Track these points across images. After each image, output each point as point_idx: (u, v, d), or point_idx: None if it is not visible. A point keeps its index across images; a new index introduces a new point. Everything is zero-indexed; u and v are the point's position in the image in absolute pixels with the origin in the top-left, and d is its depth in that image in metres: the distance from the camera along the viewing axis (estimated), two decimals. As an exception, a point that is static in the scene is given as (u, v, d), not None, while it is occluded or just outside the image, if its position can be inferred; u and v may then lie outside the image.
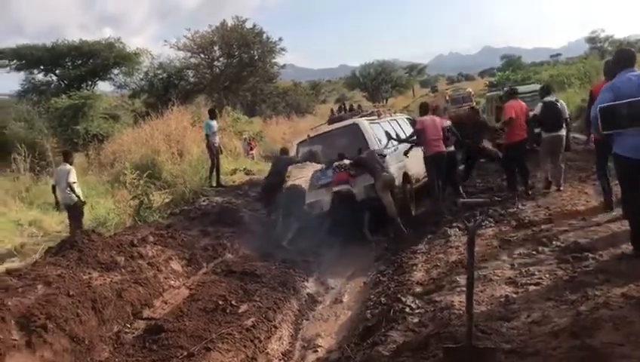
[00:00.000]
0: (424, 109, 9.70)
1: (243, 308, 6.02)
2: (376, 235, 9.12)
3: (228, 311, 5.90)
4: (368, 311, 5.27)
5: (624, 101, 4.42)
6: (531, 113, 8.96)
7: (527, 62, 66.89)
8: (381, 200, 8.83)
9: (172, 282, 6.70)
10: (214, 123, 13.05)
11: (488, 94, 20.06)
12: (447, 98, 31.94)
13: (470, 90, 35.53)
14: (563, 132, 8.57)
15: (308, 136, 10.63)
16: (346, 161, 9.22)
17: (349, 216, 8.89)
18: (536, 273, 4.88)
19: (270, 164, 11.33)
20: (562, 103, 8.86)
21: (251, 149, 22.06)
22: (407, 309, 4.84)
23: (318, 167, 9.58)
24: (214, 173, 12.97)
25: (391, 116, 11.84)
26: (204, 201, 10.40)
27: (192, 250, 7.62)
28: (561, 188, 8.47)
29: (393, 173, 9.19)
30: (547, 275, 4.76)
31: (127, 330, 5.54)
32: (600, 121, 4.50)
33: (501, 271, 5.22)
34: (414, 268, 6.28)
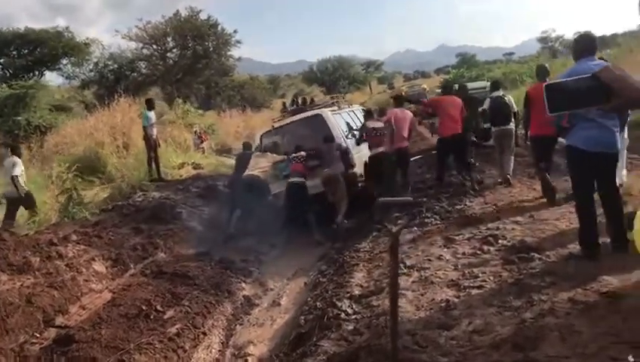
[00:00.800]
0: (398, 100, 9.54)
1: (169, 313, 5.52)
2: (329, 232, 8.67)
3: (152, 317, 5.39)
4: (302, 317, 4.85)
5: (572, 78, 4.11)
6: (480, 108, 9.30)
7: (482, 61, 67.84)
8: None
9: (93, 285, 6.12)
10: (152, 114, 12.38)
11: (437, 91, 20.57)
12: (403, 94, 31.86)
13: (425, 86, 35.66)
14: (511, 125, 8.70)
15: (272, 126, 10.43)
16: (303, 153, 9.02)
17: (301, 209, 8.70)
18: (480, 275, 4.56)
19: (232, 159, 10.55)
20: (510, 98, 8.96)
21: (202, 142, 21.36)
22: (343, 315, 4.44)
23: (279, 158, 9.35)
24: (154, 166, 12.29)
25: (348, 107, 11.80)
26: (139, 197, 9.75)
27: (120, 250, 7.05)
28: (510, 182, 8.40)
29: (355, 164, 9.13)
30: (492, 277, 4.44)
31: (34, 341, 4.95)
32: (546, 100, 4.11)
33: (444, 272, 4.88)
34: (356, 268, 5.89)
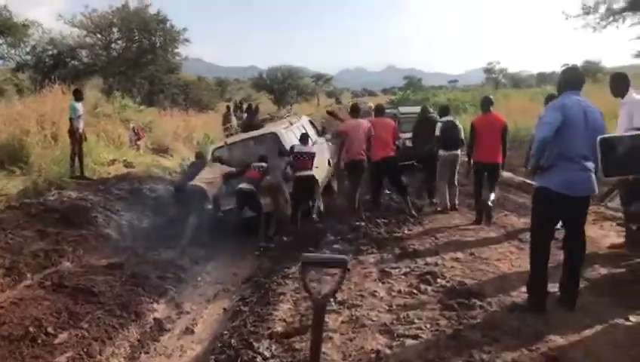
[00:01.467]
0: (355, 111, 9.22)
1: (61, 337, 4.79)
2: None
3: (40, 341, 4.64)
4: (213, 357, 4.23)
5: (629, 134, 3.74)
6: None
7: (427, 85, 69.31)
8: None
9: (-24, 297, 5.28)
10: (80, 105, 11.44)
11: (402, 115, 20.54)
12: (348, 110, 31.76)
13: (371, 104, 35.74)
14: (459, 151, 8.67)
15: (225, 143, 10.45)
16: (264, 164, 9.20)
17: (244, 219, 8.91)
18: (416, 321, 4.12)
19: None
20: (459, 124, 8.94)
21: (139, 139, 20.29)
22: (259, 359, 3.88)
23: (227, 168, 9.35)
24: (77, 162, 11.33)
25: (297, 120, 11.90)
26: (53, 195, 8.80)
27: (17, 256, 6.20)
28: (456, 208, 8.53)
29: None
30: (428, 325, 4.01)
31: None
32: (601, 157, 3.68)
33: (377, 313, 4.42)
34: (281, 298, 5.34)
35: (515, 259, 5.67)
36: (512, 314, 4.08)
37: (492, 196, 7.63)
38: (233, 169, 9.38)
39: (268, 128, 10.60)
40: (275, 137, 9.85)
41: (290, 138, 9.94)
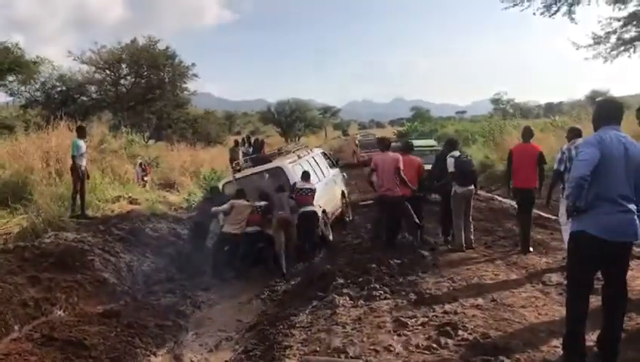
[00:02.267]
0: (383, 143, 8.91)
1: (46, 400, 4.34)
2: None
3: (22, 405, 4.20)
4: None
5: None
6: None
7: (435, 116, 69.41)
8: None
9: (-43, 353, 4.86)
10: (82, 143, 11.18)
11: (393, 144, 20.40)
12: (357, 142, 31.69)
13: (378, 136, 35.76)
14: (472, 187, 8.37)
15: (233, 177, 10.72)
16: (262, 204, 9.49)
17: (252, 258, 9.35)
18: (439, 384, 3.66)
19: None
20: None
21: (146, 175, 20.07)
22: None
23: (247, 207, 9.55)
24: (78, 201, 11.02)
25: (308, 153, 12.17)
26: (49, 237, 8.44)
27: (5, 306, 5.78)
28: (473, 246, 8.20)
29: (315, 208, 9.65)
30: (452, 389, 3.55)
31: None
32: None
33: (393, 373, 3.97)
34: (287, 352, 4.88)
35: (542, 305, 5.20)
36: (546, 374, 3.62)
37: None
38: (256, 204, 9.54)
39: (275, 163, 10.77)
40: (281, 171, 10.10)
41: (297, 172, 10.12)
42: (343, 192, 12.79)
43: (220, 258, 9.18)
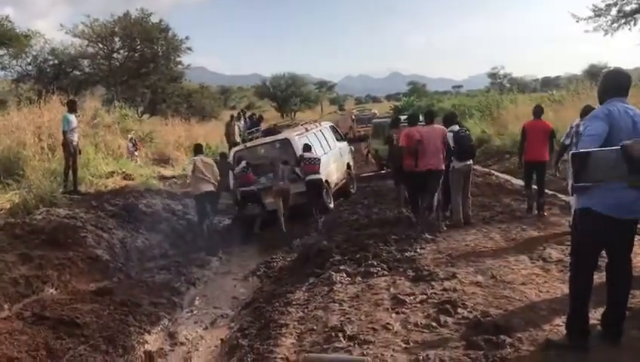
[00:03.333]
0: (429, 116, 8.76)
1: (37, 380, 4.24)
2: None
3: (12, 385, 4.10)
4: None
5: (601, 150, 3.19)
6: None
7: (431, 91, 68.90)
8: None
9: (-55, 333, 4.75)
10: (73, 117, 10.94)
11: (375, 121, 20.53)
12: (353, 117, 31.42)
13: (375, 111, 35.42)
14: (471, 162, 8.34)
15: (245, 146, 11.84)
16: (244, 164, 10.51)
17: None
18: (438, 363, 3.57)
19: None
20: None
21: (137, 150, 19.82)
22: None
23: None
24: (70, 176, 10.84)
25: (316, 127, 12.91)
26: (41, 213, 8.28)
27: (-5, 283, 5.66)
28: (471, 221, 8.13)
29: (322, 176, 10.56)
30: (453, 370, 3.46)
31: None
32: (573, 170, 3.23)
33: (392, 352, 3.87)
34: (284, 330, 4.79)
35: (543, 283, 5.10)
36: (548, 355, 3.52)
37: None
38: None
39: (283, 134, 11.74)
40: (287, 143, 11.09)
41: (303, 144, 10.88)
42: (348, 164, 13.62)
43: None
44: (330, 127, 14.19)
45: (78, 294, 6.16)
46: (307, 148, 10.68)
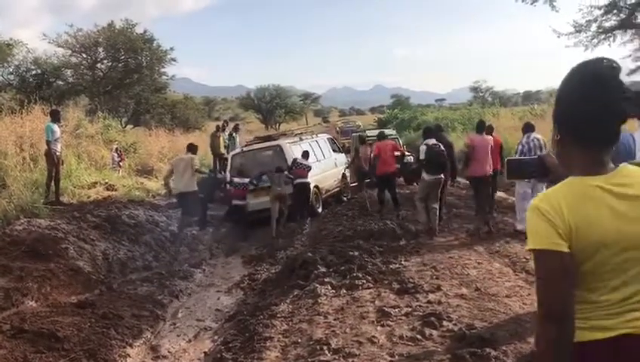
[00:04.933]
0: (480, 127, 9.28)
1: (15, 395, 4.15)
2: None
3: (-11, 401, 4.01)
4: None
5: (527, 158, 3.37)
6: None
7: (415, 104, 69.49)
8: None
9: None
10: (57, 127, 10.83)
11: (353, 134, 21.35)
12: (338, 129, 31.55)
13: (359, 123, 35.64)
14: (441, 176, 8.55)
15: (241, 149, 13.06)
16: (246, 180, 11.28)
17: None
18: (424, 376, 3.57)
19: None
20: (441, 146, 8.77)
21: (121, 161, 19.67)
22: None
23: None
24: (52, 187, 10.70)
25: (311, 137, 14.14)
26: (21, 224, 8.13)
27: (-27, 297, 5.54)
28: (436, 234, 8.40)
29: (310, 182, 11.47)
30: (438, 383, 3.46)
31: None
32: (506, 170, 3.43)
33: (377, 366, 3.86)
34: (268, 343, 4.75)
35: (527, 295, 5.14)
36: (534, 369, 3.55)
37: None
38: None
39: (277, 141, 12.77)
40: (280, 149, 12.06)
41: (294, 151, 11.92)
42: (343, 174, 14.67)
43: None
44: (329, 139, 15.38)
45: (59, 307, 6.04)
46: (305, 154, 11.74)
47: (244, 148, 12.97)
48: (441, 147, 8.61)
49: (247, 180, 11.25)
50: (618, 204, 1.41)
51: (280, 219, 10.97)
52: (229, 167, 12.50)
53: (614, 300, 1.42)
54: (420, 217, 8.63)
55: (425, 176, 8.43)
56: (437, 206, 8.55)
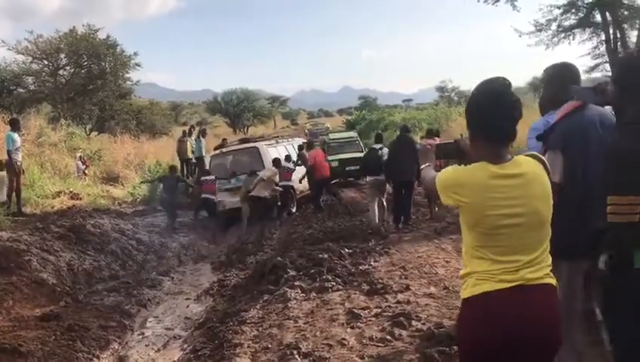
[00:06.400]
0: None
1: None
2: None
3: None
4: None
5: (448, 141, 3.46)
6: None
7: (382, 105, 70.04)
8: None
9: None
10: (17, 136, 10.57)
11: (321, 136, 23.14)
12: (306, 131, 31.65)
13: (328, 125, 35.84)
14: (381, 177, 9.27)
15: (220, 151, 14.07)
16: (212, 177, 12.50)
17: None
18: (394, 377, 3.59)
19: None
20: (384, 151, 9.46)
21: (86, 169, 19.29)
22: None
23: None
24: (14, 198, 10.44)
25: (287, 141, 15.24)
26: (-20, 238, 7.91)
27: None
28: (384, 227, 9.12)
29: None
30: (408, 383, 3.49)
31: None
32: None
33: (348, 368, 3.87)
34: (238, 350, 4.70)
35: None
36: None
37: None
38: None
39: (253, 143, 13.71)
40: (256, 150, 12.86)
41: (270, 152, 12.72)
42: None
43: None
44: (303, 142, 15.92)
45: (22, 320, 5.89)
46: (287, 158, 12.69)
47: (224, 150, 13.90)
48: (378, 151, 9.39)
49: (213, 177, 12.34)
50: (506, 183, 1.87)
51: (261, 222, 11.45)
52: (207, 166, 13.44)
53: (511, 259, 1.86)
54: (370, 217, 9.43)
55: (368, 178, 9.63)
56: (384, 204, 9.41)
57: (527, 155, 2.01)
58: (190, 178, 17.91)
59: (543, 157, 2.05)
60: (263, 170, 11.83)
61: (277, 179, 11.82)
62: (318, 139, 27.87)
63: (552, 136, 2.67)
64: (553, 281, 1.94)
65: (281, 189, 12.06)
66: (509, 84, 1.97)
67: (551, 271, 1.95)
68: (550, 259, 1.96)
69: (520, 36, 19.25)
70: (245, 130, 57.69)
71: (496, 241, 1.88)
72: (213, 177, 12.38)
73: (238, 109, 63.55)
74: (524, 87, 39.28)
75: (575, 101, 2.69)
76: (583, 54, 19.93)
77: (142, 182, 17.04)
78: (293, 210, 12.86)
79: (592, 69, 20.23)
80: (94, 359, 5.40)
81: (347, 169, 17.11)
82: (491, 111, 1.93)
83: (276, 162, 11.96)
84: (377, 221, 9.22)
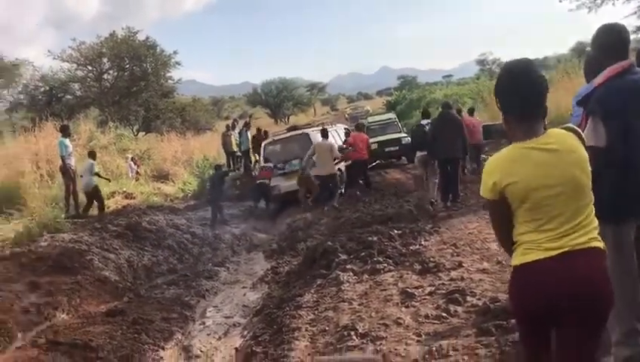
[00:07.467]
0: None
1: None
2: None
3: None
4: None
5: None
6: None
7: (422, 82, 68.97)
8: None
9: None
10: (68, 142, 11.02)
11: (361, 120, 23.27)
12: (347, 116, 31.49)
13: (368, 108, 35.49)
14: (425, 153, 9.49)
15: (272, 139, 15.08)
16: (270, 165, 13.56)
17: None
18: (452, 352, 3.61)
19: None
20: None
21: (138, 168, 19.91)
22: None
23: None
24: (72, 201, 10.90)
25: (331, 126, 15.72)
26: (45, 240, 8.32)
27: (6, 314, 5.70)
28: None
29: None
30: (466, 357, 3.50)
31: None
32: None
33: (405, 346, 3.90)
34: (296, 333, 4.82)
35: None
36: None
37: None
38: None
39: (302, 130, 14.62)
40: (306, 136, 13.73)
41: (317, 137, 12.98)
42: None
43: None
44: (345, 128, 17.04)
45: (90, 317, 6.20)
46: (324, 133, 12.78)
47: (275, 138, 14.99)
48: (424, 128, 9.59)
49: (271, 164, 13.44)
50: (541, 156, 1.97)
51: (308, 198, 12.30)
52: (262, 155, 14.46)
53: (554, 227, 1.96)
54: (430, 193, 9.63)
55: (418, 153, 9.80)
56: (435, 180, 9.46)
57: (562, 128, 2.10)
58: (237, 171, 18.29)
59: (577, 128, 2.12)
60: (310, 148, 12.47)
61: (335, 152, 12.32)
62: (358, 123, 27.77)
63: (591, 100, 2.63)
64: (601, 245, 1.99)
65: (341, 162, 12.93)
66: (530, 62, 2.11)
67: (598, 233, 2.00)
68: (597, 222, 2.02)
69: (560, 1, 18.53)
70: (287, 119, 57.95)
71: (539, 213, 1.97)
72: (271, 165, 13.39)
73: (278, 99, 63.82)
74: (567, 53, 37.89)
75: (617, 65, 2.63)
76: (629, 14, 19.01)
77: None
78: (342, 190, 13.42)
79: (639, 28, 19.27)
80: (160, 350, 5.63)
81: (386, 150, 17.77)
82: (514, 90, 2.06)
83: (324, 133, 12.55)
84: (434, 195, 9.45)
